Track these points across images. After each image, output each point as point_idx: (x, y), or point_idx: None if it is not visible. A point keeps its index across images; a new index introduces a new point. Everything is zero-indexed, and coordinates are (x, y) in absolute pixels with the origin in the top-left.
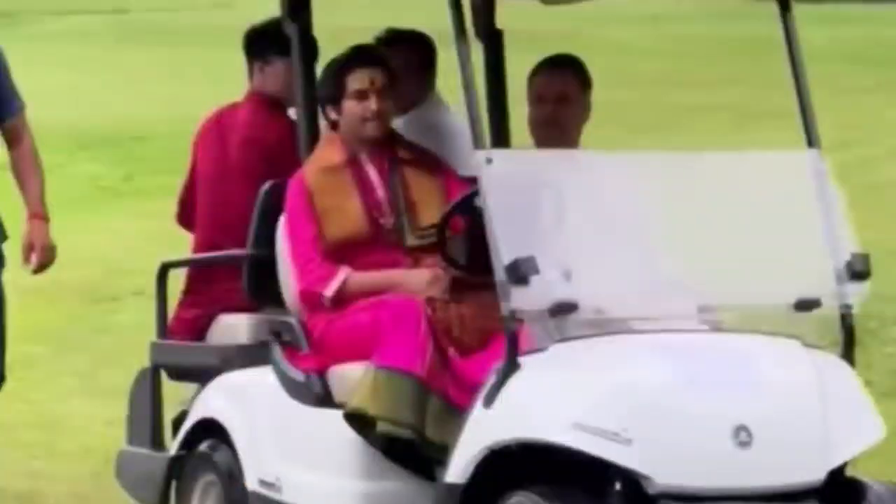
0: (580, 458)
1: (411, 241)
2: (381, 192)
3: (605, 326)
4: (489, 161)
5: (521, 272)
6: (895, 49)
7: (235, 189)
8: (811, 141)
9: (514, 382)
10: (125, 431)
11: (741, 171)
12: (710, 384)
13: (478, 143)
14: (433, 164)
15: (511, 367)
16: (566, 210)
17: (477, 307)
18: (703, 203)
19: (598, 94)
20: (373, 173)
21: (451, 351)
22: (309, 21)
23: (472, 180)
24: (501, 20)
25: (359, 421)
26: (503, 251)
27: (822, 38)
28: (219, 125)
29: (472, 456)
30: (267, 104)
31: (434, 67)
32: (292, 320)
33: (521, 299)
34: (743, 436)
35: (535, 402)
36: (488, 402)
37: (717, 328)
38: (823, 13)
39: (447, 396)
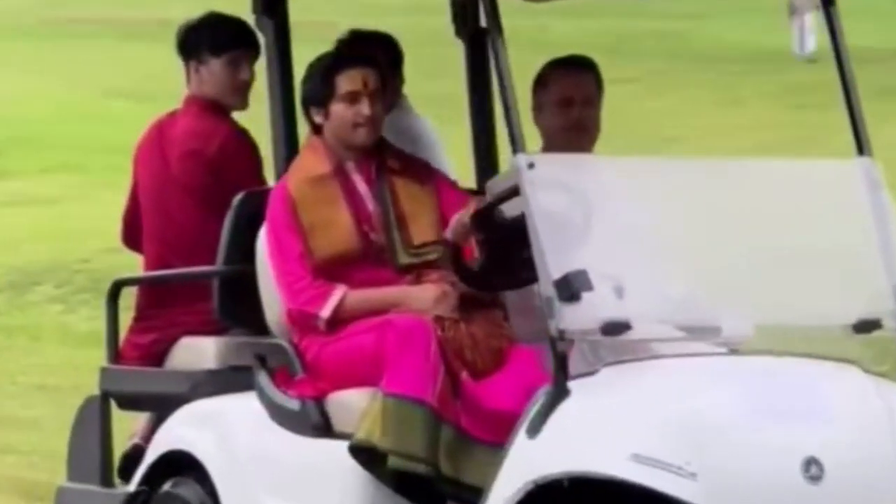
0: (637, 492)
1: (403, 259)
2: (370, 205)
3: (632, 347)
4: (531, 166)
5: (572, 288)
6: (646, 41)
7: (179, 205)
8: (862, 148)
9: (563, 409)
10: (66, 466)
11: (791, 180)
12: (777, 413)
13: (516, 147)
14: (423, 172)
15: (560, 392)
16: (613, 219)
17: (488, 325)
18: (756, 213)
19: None
20: (360, 184)
21: (464, 375)
22: (285, 16)
23: (471, 192)
24: None
25: (366, 453)
26: (551, 265)
27: (571, 30)
28: (159, 136)
29: (514, 491)
30: (207, 110)
31: (401, 70)
32: (283, 342)
33: (572, 318)
34: (814, 469)
35: (589, 432)
36: (533, 431)
37: (735, 350)
38: (567, 5)
39: (459, 426)
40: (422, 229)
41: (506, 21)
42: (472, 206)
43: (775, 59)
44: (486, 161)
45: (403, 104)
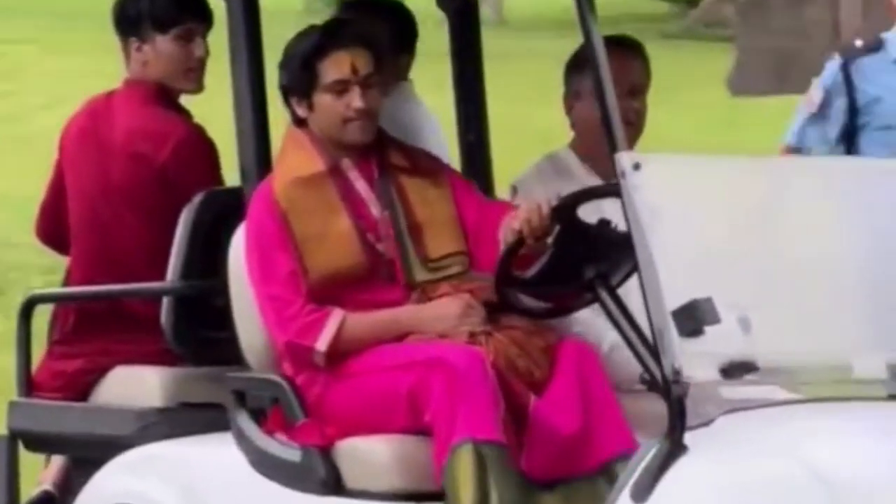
0: None
1: (420, 275)
2: (374, 210)
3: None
4: (637, 167)
5: (697, 320)
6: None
7: (119, 218)
8: None
9: (680, 468)
10: None
11: None
12: None
13: (615, 146)
14: (433, 169)
15: (676, 448)
16: (734, 234)
17: (523, 323)
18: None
19: None
20: (361, 185)
21: (533, 400)
22: None
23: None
24: None
25: None
26: (668, 291)
27: None
28: (93, 127)
29: None
30: (153, 98)
31: (412, 49)
32: (277, 378)
33: (693, 356)
34: None
35: (713, 496)
36: (640, 495)
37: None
38: None
39: (521, 470)
40: (440, 238)
41: None
42: (553, 199)
43: None
44: (475, 153)
45: (404, 89)
